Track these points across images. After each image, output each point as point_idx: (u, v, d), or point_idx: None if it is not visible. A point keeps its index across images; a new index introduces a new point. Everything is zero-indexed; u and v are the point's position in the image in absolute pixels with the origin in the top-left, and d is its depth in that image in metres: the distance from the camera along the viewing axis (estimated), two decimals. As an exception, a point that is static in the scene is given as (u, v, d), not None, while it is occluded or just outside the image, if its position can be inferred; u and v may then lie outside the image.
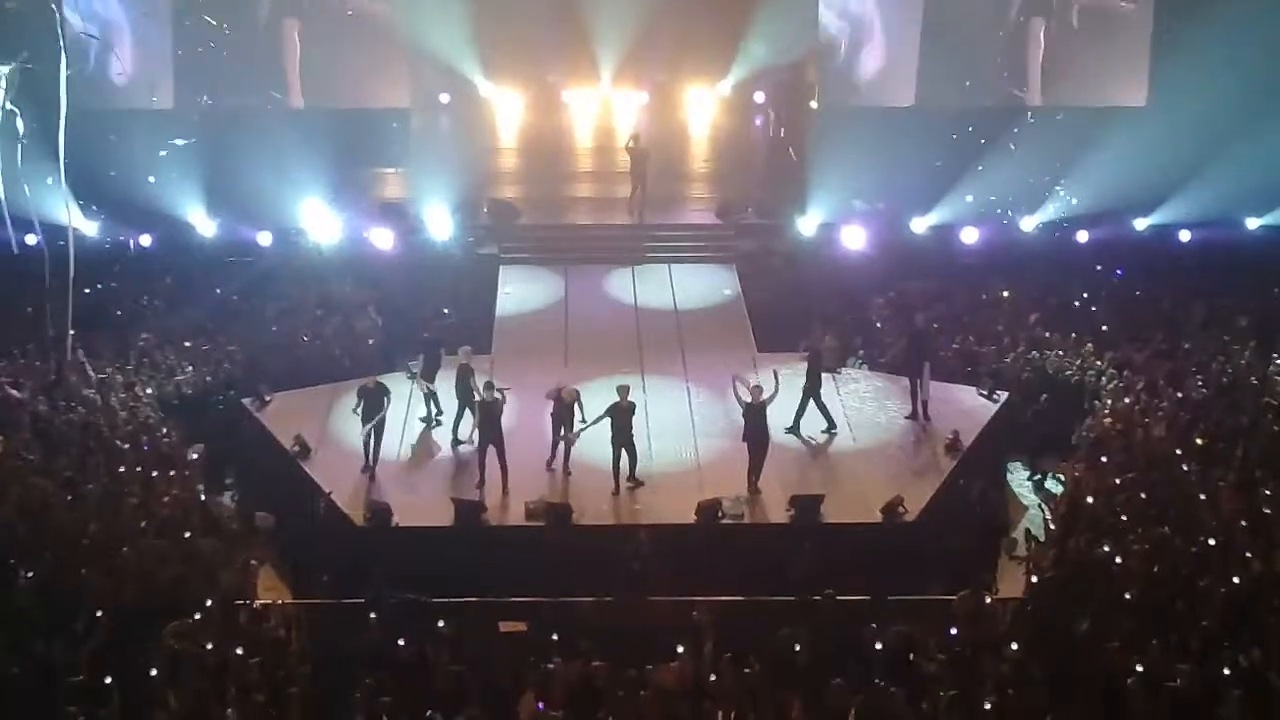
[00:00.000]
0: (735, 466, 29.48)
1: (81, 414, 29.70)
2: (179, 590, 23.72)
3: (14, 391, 30.44)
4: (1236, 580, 23.34)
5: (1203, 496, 26.53)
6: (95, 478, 27.04)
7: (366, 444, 29.50)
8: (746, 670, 21.90)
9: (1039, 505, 29.46)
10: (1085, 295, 36.89)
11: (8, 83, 32.29)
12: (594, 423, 28.82)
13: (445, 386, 31.31)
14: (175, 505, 26.71)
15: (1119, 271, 38.11)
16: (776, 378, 29.33)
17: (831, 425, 31.39)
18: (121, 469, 27.72)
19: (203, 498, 27.94)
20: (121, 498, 26.49)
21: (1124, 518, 26.05)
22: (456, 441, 30.67)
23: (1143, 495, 26.69)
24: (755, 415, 28.93)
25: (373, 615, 23.83)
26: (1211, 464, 27.83)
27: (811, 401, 31.24)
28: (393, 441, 30.13)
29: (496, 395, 28.76)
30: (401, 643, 22.77)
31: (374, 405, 29.42)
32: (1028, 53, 44.32)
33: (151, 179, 38.40)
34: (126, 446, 28.81)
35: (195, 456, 30.01)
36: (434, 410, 31.38)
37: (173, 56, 43.05)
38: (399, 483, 29.52)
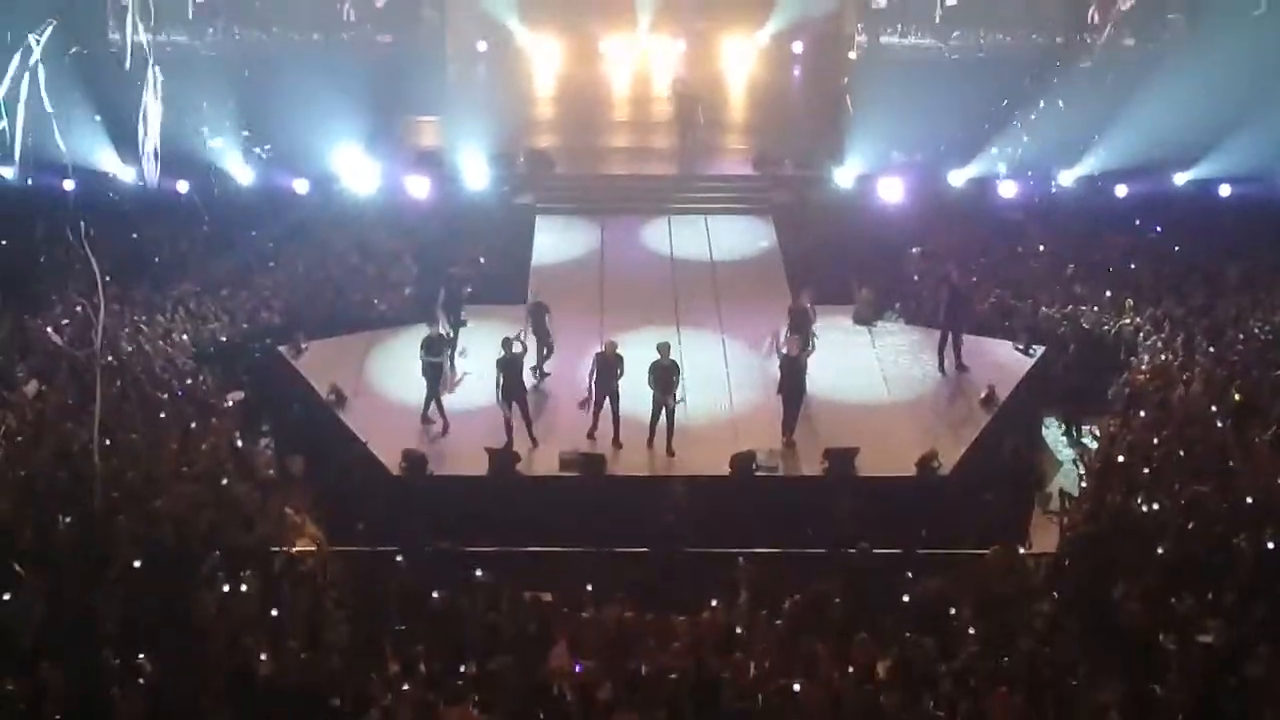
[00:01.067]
0: (770, 419, 29.55)
1: (119, 361, 29.74)
2: (215, 536, 23.82)
3: (55, 336, 30.56)
4: (1270, 536, 23.26)
5: (1238, 453, 26.38)
6: (132, 424, 27.13)
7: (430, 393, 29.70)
8: (778, 622, 21.95)
9: (1074, 460, 29.35)
10: (1123, 250, 36.61)
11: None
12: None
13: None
14: (212, 452, 26.82)
15: (1156, 228, 37.80)
16: (813, 335, 29.35)
17: None
18: (159, 416, 27.82)
19: (239, 445, 28.02)
20: (158, 444, 26.59)
21: (1159, 473, 25.95)
22: (543, 375, 31.26)
23: (1180, 452, 26.57)
24: (792, 369, 28.95)
25: (400, 559, 23.96)
26: (1248, 421, 27.68)
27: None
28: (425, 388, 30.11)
29: (518, 349, 28.81)
30: (435, 592, 22.85)
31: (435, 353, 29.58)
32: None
33: (205, 129, 38.23)
34: (164, 394, 28.91)
35: (231, 404, 30.09)
36: (451, 350, 31.25)
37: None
38: (437, 431, 29.58)
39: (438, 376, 29.66)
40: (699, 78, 48.77)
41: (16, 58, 33.24)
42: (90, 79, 35.19)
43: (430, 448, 28.59)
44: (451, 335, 31.72)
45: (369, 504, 26.47)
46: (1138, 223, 38.18)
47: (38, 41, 32.93)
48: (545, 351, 31.54)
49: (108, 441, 26.03)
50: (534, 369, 31.14)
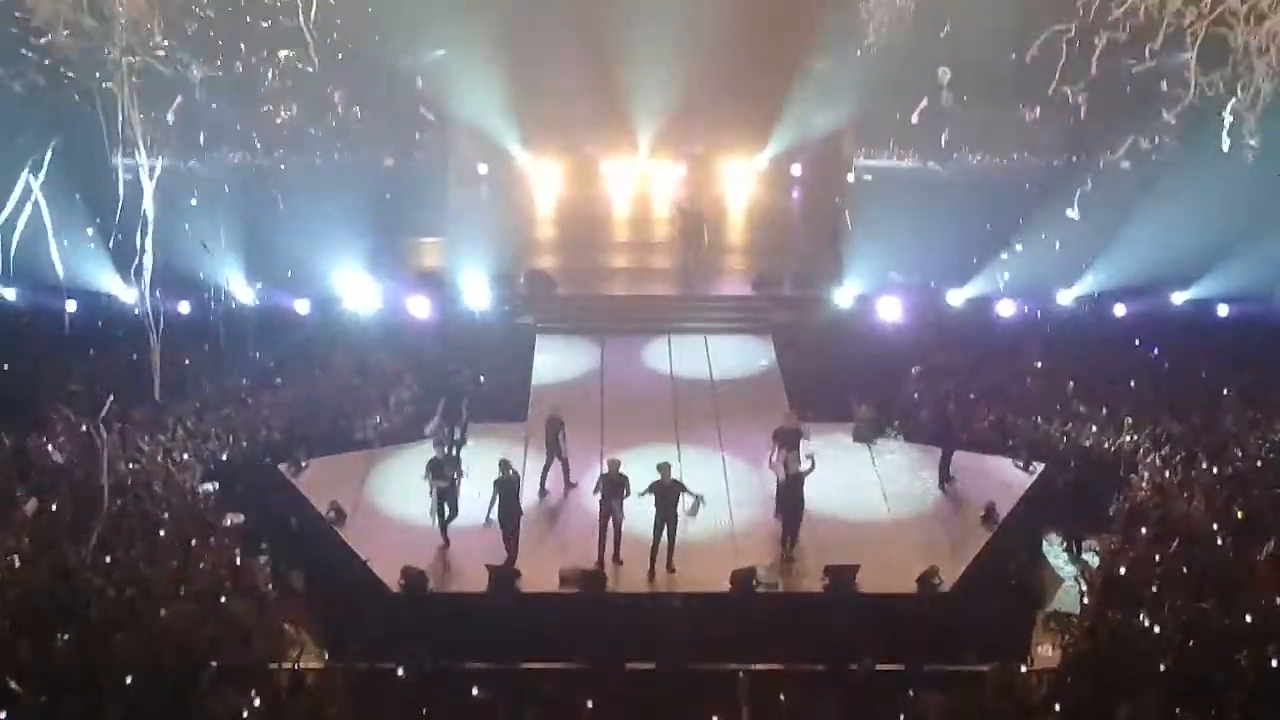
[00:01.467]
0: (770, 535, 29.62)
1: (119, 480, 29.75)
2: (213, 653, 23.72)
3: (55, 454, 30.62)
4: (1273, 653, 23.17)
5: (1240, 570, 26.32)
6: (132, 542, 27.10)
7: (438, 515, 29.65)
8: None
9: (1075, 577, 29.28)
10: (1122, 369, 36.70)
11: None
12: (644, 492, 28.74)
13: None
14: (211, 569, 26.77)
15: (1154, 348, 37.90)
16: (813, 459, 29.45)
17: None
18: (158, 534, 27.80)
19: (238, 562, 27.97)
20: (158, 562, 26.53)
21: (1160, 591, 25.89)
22: (543, 491, 31.45)
23: (1182, 569, 26.52)
24: (789, 487, 29.05)
25: (399, 675, 23.86)
26: (1249, 538, 27.65)
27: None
28: (427, 507, 30.05)
29: (511, 473, 28.86)
30: (433, 709, 22.77)
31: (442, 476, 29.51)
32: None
33: (206, 245, 38.32)
34: (164, 512, 28.90)
35: (230, 523, 30.03)
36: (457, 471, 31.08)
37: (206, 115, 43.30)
38: (436, 548, 29.50)
39: (446, 499, 29.61)
40: (701, 198, 49.16)
41: (21, 180, 33.51)
42: (91, 202, 35.44)
43: (430, 565, 28.51)
44: (454, 450, 31.74)
45: (368, 620, 26.37)
46: (1137, 342, 38.30)
47: (40, 164, 33.17)
48: (554, 465, 31.68)
49: (107, 559, 26.02)
50: (541, 479, 31.38)
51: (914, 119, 42.19)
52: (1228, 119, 32.45)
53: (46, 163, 32.91)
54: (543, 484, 31.61)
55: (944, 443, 32.89)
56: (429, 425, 32.74)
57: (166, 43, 34.17)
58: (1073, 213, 35.39)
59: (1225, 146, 32.60)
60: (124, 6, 32.71)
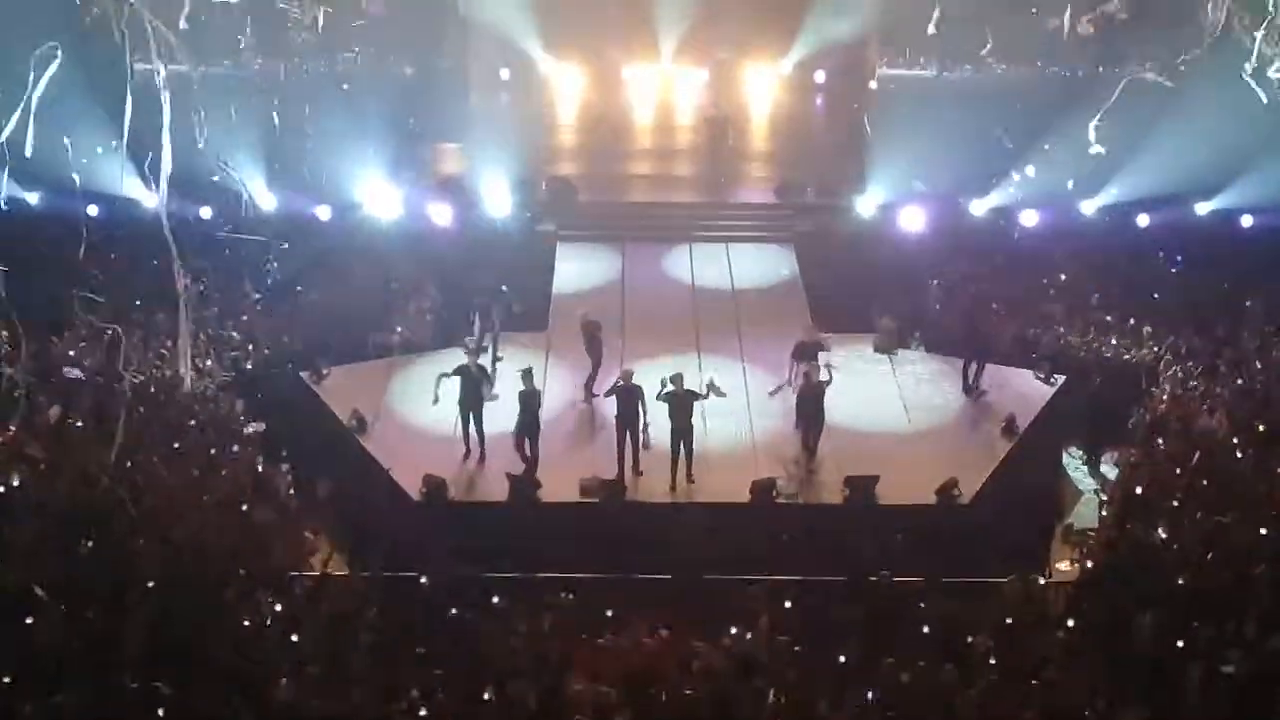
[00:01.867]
0: (790, 446, 29.60)
1: (141, 386, 29.84)
2: (236, 560, 23.86)
3: (75, 372, 30.70)
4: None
5: (1260, 484, 26.31)
6: (154, 450, 27.19)
7: (466, 427, 29.67)
8: (798, 649, 21.94)
9: (1094, 490, 29.31)
10: (1145, 280, 36.56)
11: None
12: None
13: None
14: (233, 478, 26.90)
15: (1178, 259, 37.72)
16: (830, 370, 29.41)
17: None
18: (180, 441, 27.91)
19: (260, 470, 28.08)
20: (180, 469, 26.65)
21: (1179, 504, 25.90)
22: (591, 395, 31.67)
23: (1204, 482, 26.51)
24: (808, 399, 29.08)
25: (424, 580, 23.98)
26: (1269, 452, 27.61)
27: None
28: (449, 415, 30.10)
29: (533, 384, 28.90)
30: (454, 615, 22.89)
31: (472, 386, 29.47)
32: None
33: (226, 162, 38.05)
34: (187, 420, 29.01)
35: (252, 431, 30.14)
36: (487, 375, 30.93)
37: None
38: (457, 457, 29.60)
39: (471, 407, 29.65)
40: (724, 103, 48.96)
41: (41, 82, 33.32)
42: (108, 106, 35.19)
43: (451, 473, 28.61)
44: (491, 362, 31.82)
45: (390, 529, 26.49)
46: (1160, 254, 38.11)
47: (46, 66, 32.99)
48: (594, 370, 31.81)
49: (129, 464, 26.13)
50: (585, 387, 31.56)
51: (930, 29, 41.74)
52: (1256, 49, 31.99)
53: (56, 63, 32.66)
54: (589, 391, 31.71)
55: (970, 351, 32.83)
56: (469, 338, 32.60)
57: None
58: (1092, 134, 34.95)
59: (1250, 72, 32.16)
60: None
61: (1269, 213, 38.26)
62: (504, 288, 35.38)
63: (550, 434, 29.61)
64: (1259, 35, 31.50)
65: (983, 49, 49.17)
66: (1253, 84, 32.05)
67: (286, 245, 36.65)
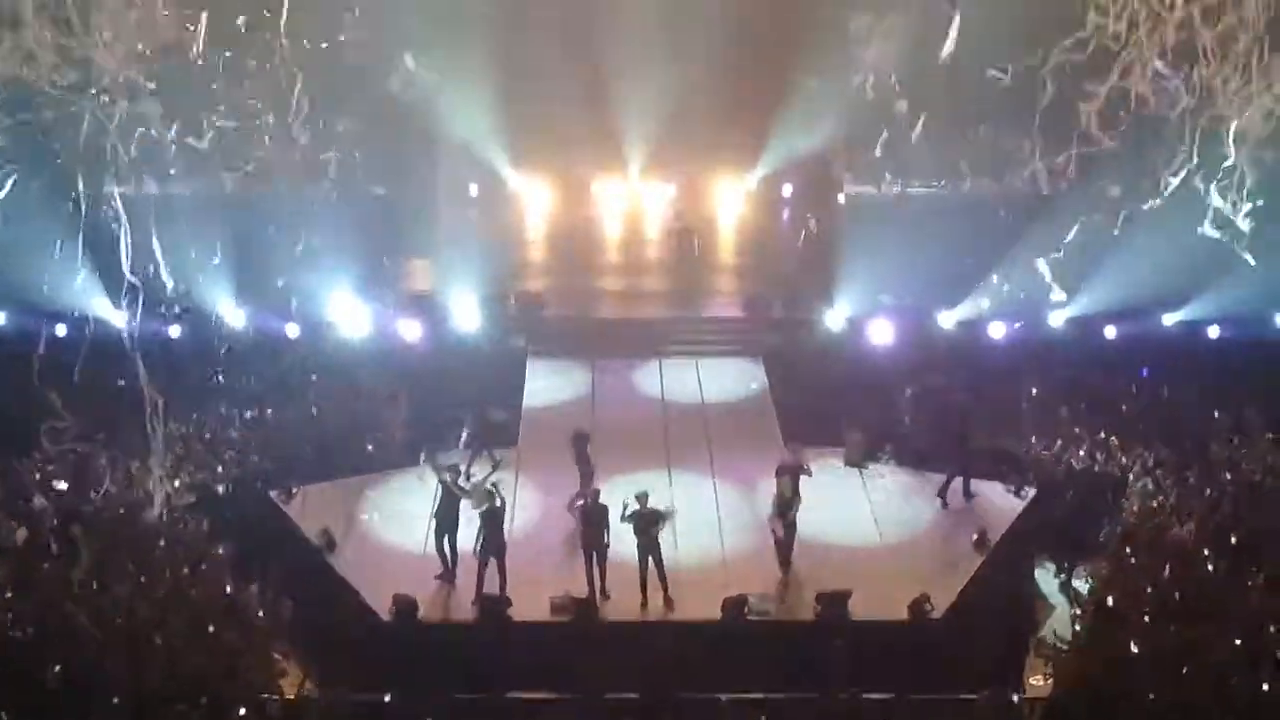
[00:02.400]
0: (762, 562, 29.52)
1: (110, 507, 29.69)
2: (201, 681, 23.65)
3: (40, 499, 30.56)
4: (1266, 678, 23.14)
5: (1233, 596, 26.27)
6: (122, 571, 27.00)
7: (440, 544, 29.53)
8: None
9: (1067, 603, 29.25)
10: (1113, 393, 36.67)
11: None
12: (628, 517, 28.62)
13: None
14: (202, 598, 26.69)
15: (1143, 371, 37.85)
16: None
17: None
18: (149, 562, 27.71)
19: (228, 590, 27.87)
20: (148, 590, 26.45)
21: (1153, 616, 25.84)
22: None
23: (1177, 595, 26.48)
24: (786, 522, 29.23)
25: (394, 701, 23.81)
26: (1241, 563, 27.60)
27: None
28: (419, 534, 30.00)
29: (500, 501, 28.74)
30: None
31: (450, 503, 29.37)
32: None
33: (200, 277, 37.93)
34: (157, 542, 28.84)
35: (221, 551, 29.92)
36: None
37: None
38: (427, 576, 29.44)
39: (446, 527, 29.51)
40: (690, 215, 49.32)
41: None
42: (79, 226, 35.21)
43: (421, 593, 28.43)
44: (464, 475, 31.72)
45: (359, 649, 26.32)
46: (1128, 367, 38.19)
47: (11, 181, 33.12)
48: (584, 484, 31.53)
49: (94, 585, 25.94)
50: (577, 500, 31.18)
51: (877, 151, 42.19)
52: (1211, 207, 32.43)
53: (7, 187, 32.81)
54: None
55: (956, 461, 33.04)
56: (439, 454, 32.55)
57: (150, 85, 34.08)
58: (1054, 255, 35.30)
59: (1209, 226, 32.56)
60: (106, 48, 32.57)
61: (1235, 324, 38.48)
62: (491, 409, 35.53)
63: (522, 551, 29.51)
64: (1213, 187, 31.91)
65: (949, 166, 49.54)
66: (1209, 228, 32.35)
67: (227, 348, 36.48)
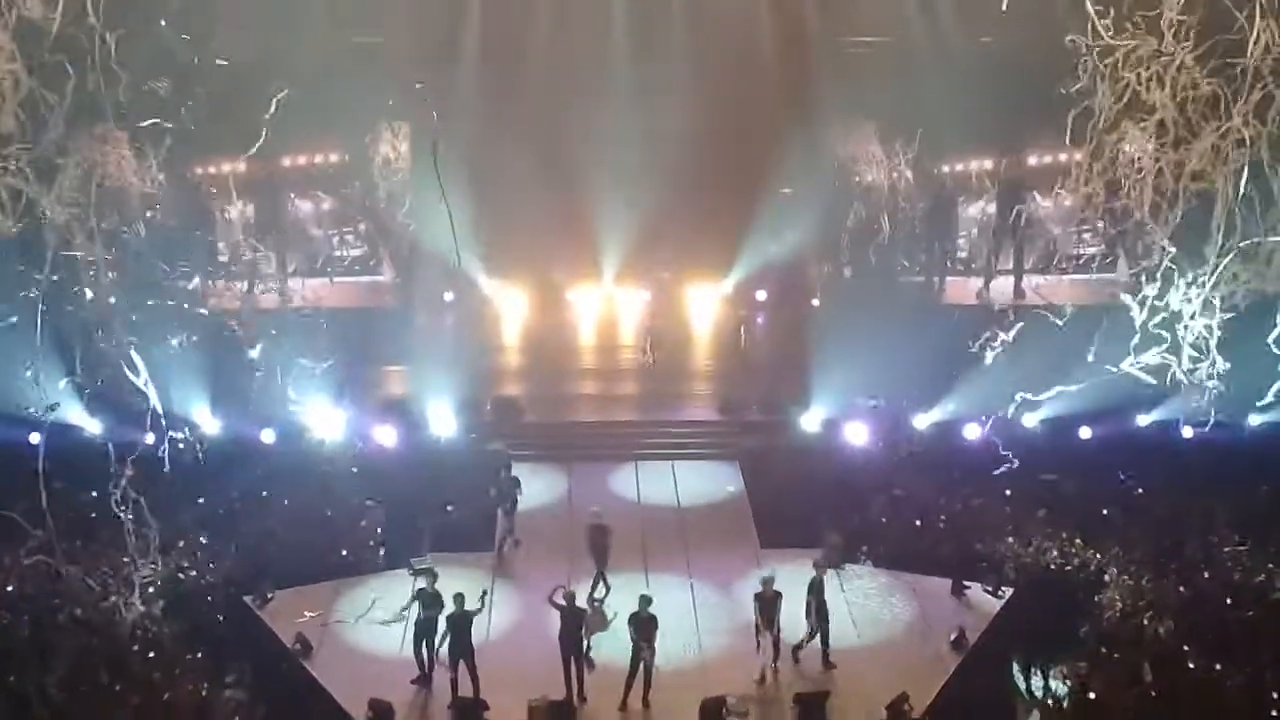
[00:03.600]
0: (740, 663, 29.40)
1: (80, 614, 29.55)
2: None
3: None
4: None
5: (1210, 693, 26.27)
6: (94, 678, 26.86)
7: (418, 649, 29.43)
8: None
9: (1046, 703, 29.19)
10: (1089, 492, 36.70)
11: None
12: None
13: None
14: (175, 706, 26.51)
15: (1122, 477, 37.85)
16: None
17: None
18: (121, 668, 27.56)
19: (204, 694, 27.69)
20: (121, 699, 26.30)
21: (1134, 715, 25.81)
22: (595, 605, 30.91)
23: (1153, 693, 26.45)
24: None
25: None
26: (1220, 661, 27.60)
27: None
28: (394, 638, 29.89)
29: (466, 608, 28.64)
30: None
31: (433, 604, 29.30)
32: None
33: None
34: (132, 647, 28.70)
35: (196, 658, 29.74)
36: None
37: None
38: (403, 680, 29.26)
39: (427, 630, 29.40)
40: (664, 326, 49.68)
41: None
42: (61, 336, 35.23)
43: (397, 697, 28.27)
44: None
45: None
46: (1104, 468, 38.23)
47: None
48: (601, 582, 31.63)
49: (65, 697, 25.80)
50: (595, 601, 31.29)
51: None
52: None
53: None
54: (598, 601, 31.55)
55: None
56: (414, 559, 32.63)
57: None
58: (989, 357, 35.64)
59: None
60: None
61: (1207, 425, 38.49)
62: (449, 507, 35.46)
63: (500, 652, 29.48)
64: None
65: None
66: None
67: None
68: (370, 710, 27.63)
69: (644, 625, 28.42)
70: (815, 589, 30.10)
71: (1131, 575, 32.00)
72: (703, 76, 48.36)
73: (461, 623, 28.39)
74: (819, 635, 30.11)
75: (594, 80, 48.57)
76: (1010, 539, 34.66)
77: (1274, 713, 25.74)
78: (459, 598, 28.61)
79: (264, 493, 36.45)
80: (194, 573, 32.91)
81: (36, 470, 30.25)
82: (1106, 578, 32.43)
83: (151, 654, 28.72)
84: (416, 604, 29.41)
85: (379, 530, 35.63)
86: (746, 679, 29.08)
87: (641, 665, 28.43)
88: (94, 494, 33.07)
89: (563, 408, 45.03)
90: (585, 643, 28.66)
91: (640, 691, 28.48)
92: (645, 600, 28.74)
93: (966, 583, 33.41)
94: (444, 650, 28.54)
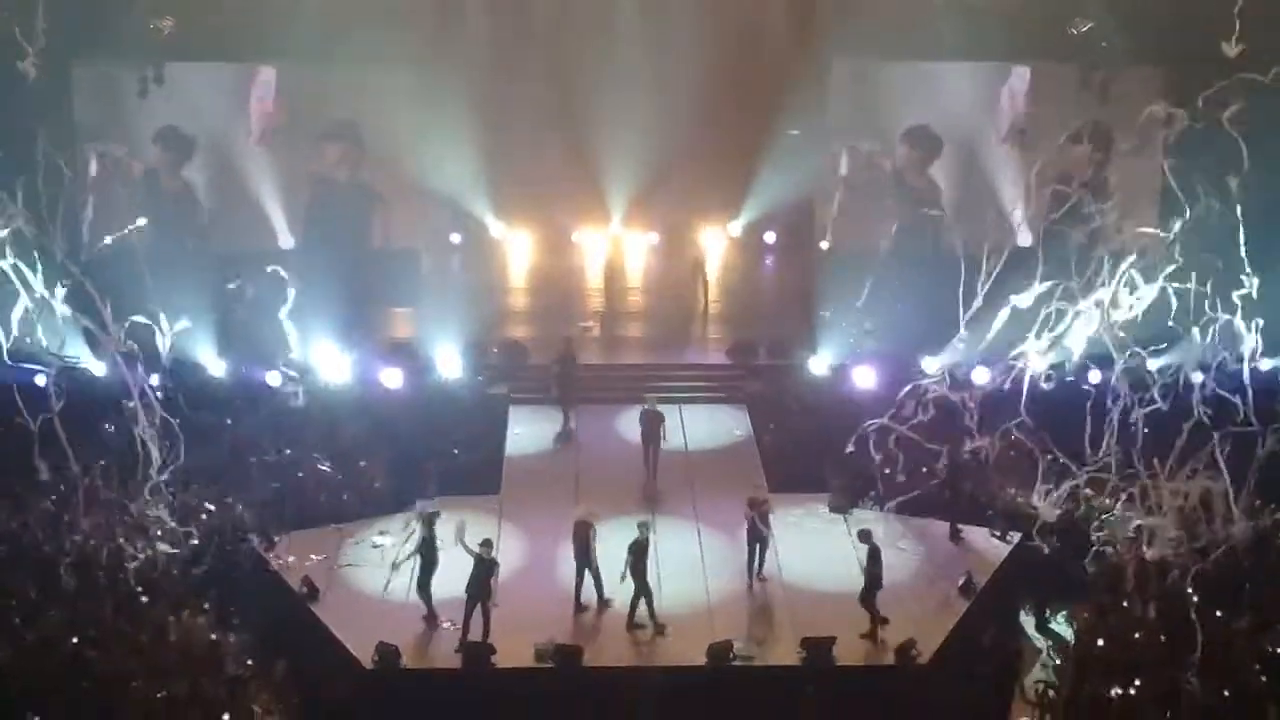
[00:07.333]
0: (747, 607, 29.45)
1: (89, 554, 29.53)
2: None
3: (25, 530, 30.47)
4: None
5: (1217, 639, 26.21)
6: (102, 619, 26.87)
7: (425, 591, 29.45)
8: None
9: (1052, 647, 29.16)
10: (1097, 435, 36.50)
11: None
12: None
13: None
14: (183, 647, 26.53)
15: (1133, 422, 37.59)
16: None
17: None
18: (131, 610, 27.57)
19: (211, 639, 27.69)
20: (129, 639, 26.31)
21: (1138, 660, 25.76)
22: (580, 608, 30.20)
23: (1161, 638, 26.40)
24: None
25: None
26: (1228, 607, 27.53)
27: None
28: (401, 581, 29.87)
29: (492, 556, 28.64)
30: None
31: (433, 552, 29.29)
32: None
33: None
34: (138, 588, 28.69)
35: (203, 601, 29.75)
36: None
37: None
38: (410, 623, 29.29)
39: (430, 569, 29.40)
40: (672, 269, 49.53)
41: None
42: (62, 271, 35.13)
43: (404, 640, 28.27)
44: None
45: (342, 697, 26.16)
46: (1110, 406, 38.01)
47: None
48: (594, 579, 30.21)
49: (74, 640, 25.79)
50: (575, 599, 30.39)
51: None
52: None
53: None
54: (578, 599, 30.38)
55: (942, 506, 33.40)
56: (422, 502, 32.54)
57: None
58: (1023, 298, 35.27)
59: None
60: None
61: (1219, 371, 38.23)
62: (455, 451, 35.38)
63: (506, 597, 29.27)
64: None
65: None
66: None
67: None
68: (377, 654, 27.62)
69: (640, 550, 28.64)
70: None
71: (1139, 519, 31.80)
72: (711, 15, 48.00)
73: (487, 569, 28.37)
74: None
75: (602, 22, 48.27)
76: (1018, 484, 34.49)
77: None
78: (486, 544, 28.56)
79: (278, 441, 36.31)
80: (200, 515, 32.82)
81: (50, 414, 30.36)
82: (1117, 521, 32.24)
83: (159, 596, 28.72)
84: (421, 545, 29.32)
85: (382, 473, 35.54)
86: (753, 622, 29.10)
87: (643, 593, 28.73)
88: (110, 427, 33.16)
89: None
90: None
91: (650, 623, 28.74)
92: (644, 526, 28.90)
93: (960, 526, 33.38)
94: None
